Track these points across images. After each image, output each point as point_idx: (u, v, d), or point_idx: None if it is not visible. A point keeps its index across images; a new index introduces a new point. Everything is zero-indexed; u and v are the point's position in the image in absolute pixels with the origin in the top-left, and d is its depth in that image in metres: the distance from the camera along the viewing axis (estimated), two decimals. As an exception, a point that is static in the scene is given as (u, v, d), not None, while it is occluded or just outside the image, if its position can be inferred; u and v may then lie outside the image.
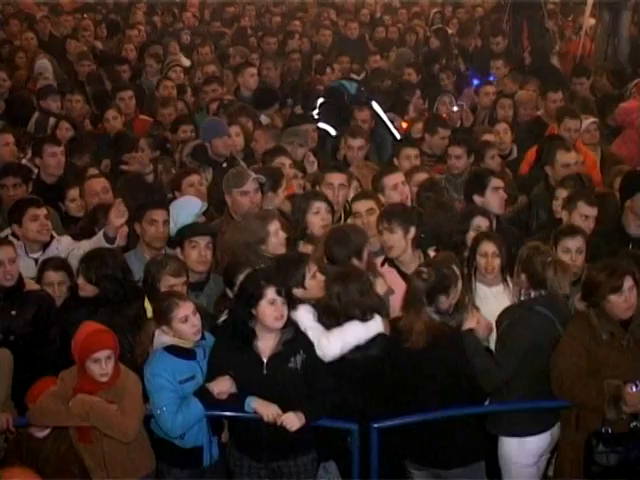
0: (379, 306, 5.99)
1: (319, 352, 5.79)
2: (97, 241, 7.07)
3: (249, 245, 6.83)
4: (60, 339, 6.33)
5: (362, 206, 7.32)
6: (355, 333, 5.84)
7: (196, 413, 5.66)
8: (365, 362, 5.85)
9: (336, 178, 7.89)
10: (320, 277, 6.15)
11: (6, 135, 9.08)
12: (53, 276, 6.74)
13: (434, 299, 5.87)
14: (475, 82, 12.33)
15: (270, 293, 5.64)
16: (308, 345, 5.79)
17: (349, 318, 5.86)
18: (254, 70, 11.89)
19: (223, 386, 5.67)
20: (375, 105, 10.37)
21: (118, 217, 7.05)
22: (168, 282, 6.27)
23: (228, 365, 5.74)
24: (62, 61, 13.64)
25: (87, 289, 6.42)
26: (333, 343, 5.79)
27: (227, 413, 5.81)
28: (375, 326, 5.88)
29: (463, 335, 5.92)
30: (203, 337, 5.86)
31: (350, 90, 10.61)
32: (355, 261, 6.47)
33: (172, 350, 5.75)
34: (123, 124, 10.35)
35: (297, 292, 6.05)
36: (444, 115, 10.74)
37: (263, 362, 5.71)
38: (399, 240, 6.78)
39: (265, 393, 5.68)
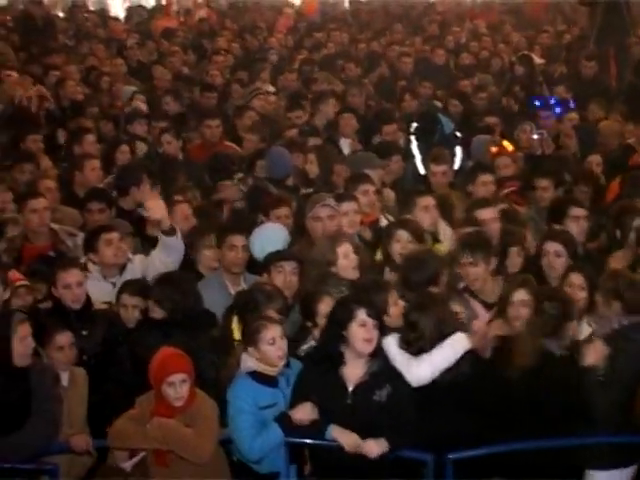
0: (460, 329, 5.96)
1: (409, 378, 5.76)
2: (162, 245, 7.24)
3: (319, 267, 6.85)
4: (132, 361, 6.40)
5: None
6: (443, 356, 5.81)
7: (275, 438, 5.67)
8: (456, 383, 5.80)
9: (429, 201, 7.87)
10: (401, 304, 6.14)
11: (93, 160, 9.22)
12: (128, 299, 6.82)
13: (560, 329, 5.86)
14: (557, 109, 12.18)
15: (361, 315, 5.64)
16: (395, 379, 5.75)
17: (433, 345, 5.82)
18: (334, 101, 11.92)
19: (304, 413, 5.67)
20: (458, 151, 10.26)
21: (156, 209, 7.21)
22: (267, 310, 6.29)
23: (312, 390, 5.73)
24: (148, 87, 13.89)
25: (156, 311, 6.49)
26: (423, 369, 5.77)
27: (307, 440, 5.80)
28: (461, 345, 5.84)
29: (586, 370, 5.85)
30: (288, 365, 5.89)
31: (445, 126, 10.52)
32: (432, 288, 6.45)
33: (255, 376, 5.79)
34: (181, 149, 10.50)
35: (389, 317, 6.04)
36: (524, 143, 10.65)
37: (348, 390, 5.70)
38: (482, 273, 6.76)
39: (347, 422, 5.66)
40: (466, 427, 5.81)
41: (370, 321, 5.66)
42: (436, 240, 7.78)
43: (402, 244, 7.19)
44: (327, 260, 6.87)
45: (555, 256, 7.01)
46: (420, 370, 5.77)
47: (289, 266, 6.83)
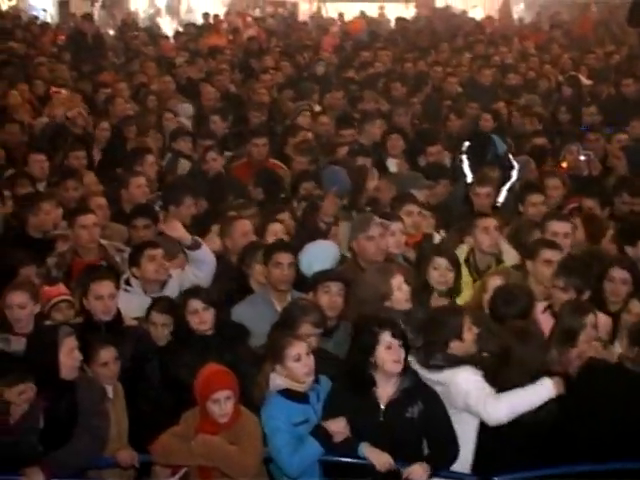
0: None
1: (484, 415, 5.74)
2: (190, 260, 7.45)
3: (374, 302, 6.77)
4: (162, 378, 6.45)
5: None
6: (526, 401, 5.75)
7: (313, 452, 5.69)
8: (531, 425, 5.76)
9: (489, 222, 7.85)
10: (475, 330, 6.10)
11: (139, 178, 9.31)
12: (158, 317, 6.82)
13: None
14: (608, 130, 12.11)
15: (386, 337, 5.66)
16: (427, 395, 5.76)
17: (519, 383, 5.78)
18: (380, 122, 11.95)
19: (339, 425, 5.68)
20: (514, 174, 10.21)
21: (173, 228, 7.43)
22: (307, 331, 6.31)
23: (344, 409, 5.74)
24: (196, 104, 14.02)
25: (207, 317, 6.50)
26: (501, 409, 5.72)
27: (339, 458, 5.78)
28: (546, 392, 5.78)
29: None
30: (317, 381, 5.90)
31: (498, 148, 10.49)
32: (519, 322, 6.38)
33: (286, 394, 5.81)
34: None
35: (454, 345, 6.00)
36: (571, 163, 10.61)
37: (380, 409, 5.71)
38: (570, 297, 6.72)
39: (379, 440, 5.66)
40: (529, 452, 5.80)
41: (396, 342, 5.67)
42: (499, 261, 7.77)
43: (440, 272, 7.18)
44: (381, 294, 6.79)
45: (621, 283, 6.97)
46: (498, 410, 5.72)
47: (335, 287, 6.82)
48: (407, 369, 5.77)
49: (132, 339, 6.59)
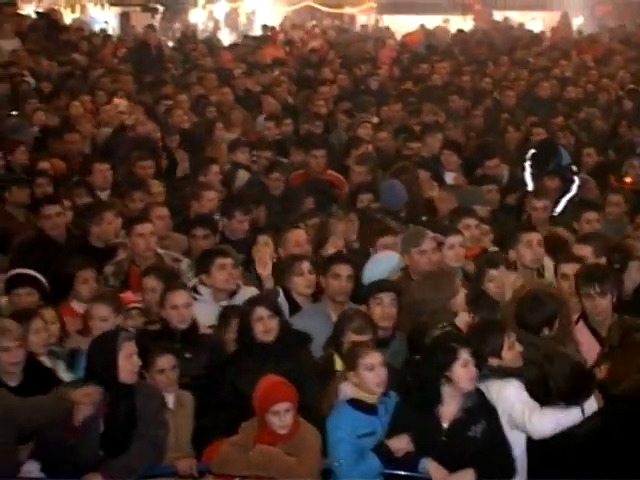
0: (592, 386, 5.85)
1: (529, 429, 5.72)
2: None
3: (438, 303, 6.80)
4: (232, 386, 6.44)
5: None
6: (571, 417, 5.71)
7: (373, 468, 5.68)
8: (573, 438, 5.74)
9: (533, 237, 7.84)
10: (518, 348, 6.05)
11: (211, 192, 9.36)
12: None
13: None
14: None
15: (464, 355, 5.64)
16: (489, 413, 5.73)
17: (562, 399, 5.74)
18: (441, 135, 11.95)
19: (401, 444, 5.67)
20: (574, 188, 10.14)
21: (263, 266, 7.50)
22: (350, 338, 6.35)
23: (408, 425, 5.73)
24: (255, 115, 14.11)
25: (273, 325, 6.50)
26: (546, 424, 5.69)
27: (401, 472, 5.77)
28: (590, 409, 5.73)
29: None
30: (387, 394, 5.89)
31: (563, 158, 10.41)
32: (546, 330, 6.37)
33: (354, 404, 5.81)
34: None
35: (493, 361, 5.96)
36: (632, 178, 10.49)
37: (443, 428, 5.69)
38: (608, 304, 6.68)
39: (441, 459, 5.64)
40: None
41: (471, 360, 5.67)
42: (540, 276, 7.72)
43: (495, 283, 7.17)
44: (447, 295, 6.82)
45: None
46: (543, 424, 5.69)
47: (388, 297, 6.82)
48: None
49: (207, 348, 6.67)
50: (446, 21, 26.79)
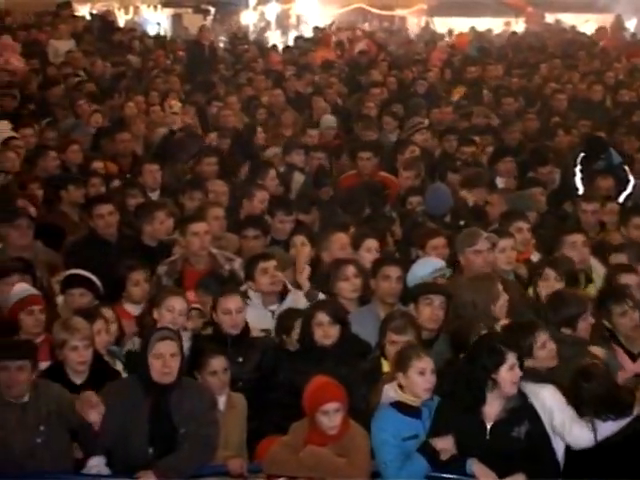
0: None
1: (568, 439, 5.72)
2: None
3: (479, 305, 6.80)
4: (288, 387, 6.47)
5: None
6: (610, 429, 5.71)
7: (419, 470, 5.67)
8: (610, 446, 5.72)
9: (577, 238, 7.82)
10: (551, 346, 6.04)
11: (263, 192, 9.36)
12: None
13: None
14: None
15: (511, 358, 5.62)
16: (534, 416, 5.71)
17: (601, 413, 5.72)
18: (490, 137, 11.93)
19: (446, 443, 5.67)
20: (630, 188, 10.06)
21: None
22: (390, 338, 6.38)
23: (451, 427, 5.72)
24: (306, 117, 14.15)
25: (333, 332, 6.56)
26: (586, 436, 5.69)
27: (447, 475, 5.75)
28: (628, 419, 5.74)
29: None
30: (432, 397, 5.89)
31: (613, 158, 10.32)
32: (566, 329, 6.37)
33: (398, 406, 5.81)
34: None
35: (527, 362, 5.94)
36: None
37: (487, 428, 5.67)
38: None
39: (485, 459, 5.62)
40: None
41: (517, 363, 5.65)
42: (588, 277, 7.69)
43: (550, 283, 7.14)
44: (492, 297, 6.82)
45: None
46: (583, 435, 5.70)
47: (437, 299, 6.83)
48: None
49: (258, 351, 6.71)
50: (507, 24, 26.66)
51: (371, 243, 8.04)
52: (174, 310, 6.75)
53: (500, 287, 6.92)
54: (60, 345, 6.29)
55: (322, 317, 6.58)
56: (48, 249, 8.58)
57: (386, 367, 6.39)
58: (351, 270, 7.40)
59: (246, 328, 6.81)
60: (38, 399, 5.87)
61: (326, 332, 6.55)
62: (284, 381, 6.56)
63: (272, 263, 7.42)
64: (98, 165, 10.74)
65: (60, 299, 7.49)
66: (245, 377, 6.59)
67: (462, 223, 8.95)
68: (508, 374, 5.61)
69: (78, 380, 6.27)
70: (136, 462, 5.89)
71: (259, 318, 7.09)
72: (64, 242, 8.90)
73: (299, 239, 8.21)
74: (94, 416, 5.79)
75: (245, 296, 7.29)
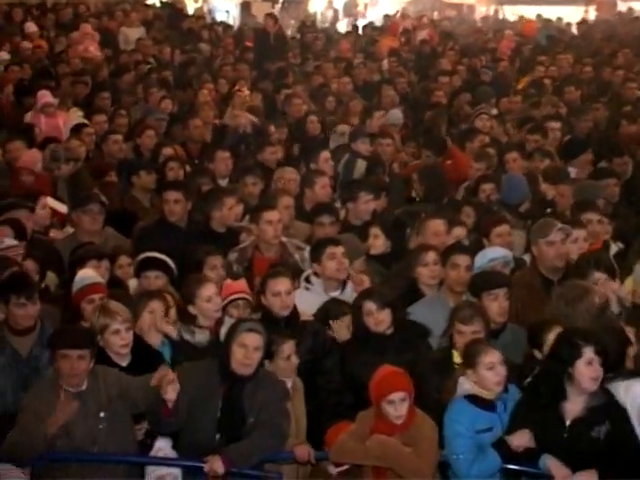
0: None
1: None
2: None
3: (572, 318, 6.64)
4: (342, 373, 6.51)
5: None
6: None
7: (493, 464, 5.65)
8: None
9: None
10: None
11: (324, 178, 9.42)
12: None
13: None
14: None
15: (588, 353, 5.54)
16: (616, 415, 5.61)
17: None
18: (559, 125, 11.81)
19: (522, 440, 5.63)
20: None
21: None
22: (458, 328, 6.37)
23: (529, 421, 5.68)
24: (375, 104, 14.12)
25: (382, 317, 6.56)
26: None
27: (521, 468, 5.73)
28: None
29: None
30: (506, 389, 5.86)
31: None
32: None
33: (472, 399, 5.79)
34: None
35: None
36: None
37: (565, 425, 5.61)
38: None
39: (562, 457, 5.57)
40: None
41: (597, 358, 5.55)
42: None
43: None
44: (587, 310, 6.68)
45: None
46: None
47: (502, 292, 6.79)
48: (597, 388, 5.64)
49: (309, 334, 6.69)
50: (586, 11, 26.30)
51: (460, 231, 8.05)
52: (211, 300, 6.78)
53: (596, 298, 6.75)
54: (101, 330, 6.32)
55: (370, 305, 6.56)
56: (118, 234, 8.69)
57: (457, 358, 6.35)
58: (431, 256, 7.38)
59: (295, 311, 6.79)
60: (97, 386, 5.94)
61: (376, 319, 6.54)
62: (334, 367, 6.56)
63: (340, 249, 7.39)
64: (168, 151, 10.84)
65: (133, 282, 7.57)
66: (299, 359, 6.50)
67: (548, 210, 8.90)
68: (586, 369, 5.53)
69: (123, 362, 6.33)
70: (201, 447, 5.93)
71: (318, 304, 7.05)
72: (134, 227, 9.01)
73: (375, 230, 8.22)
74: (171, 393, 5.82)
75: (307, 281, 7.34)
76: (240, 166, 10.55)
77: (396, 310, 6.66)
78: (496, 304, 6.74)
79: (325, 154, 10.34)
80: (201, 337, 6.71)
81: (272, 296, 6.71)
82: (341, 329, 6.81)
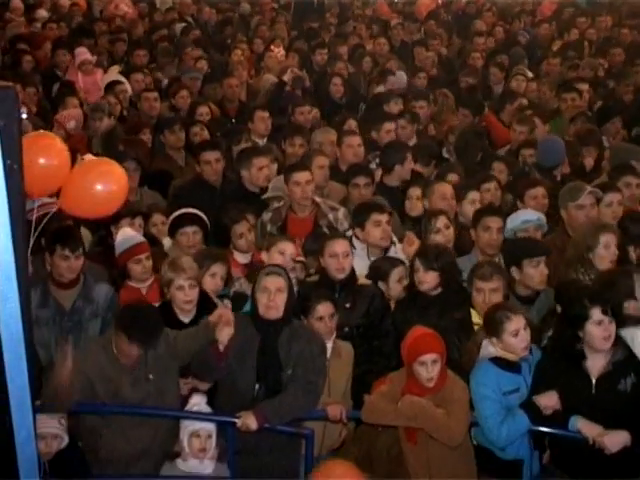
0: None
1: None
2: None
3: (577, 251, 6.77)
4: (395, 334, 6.49)
5: None
6: None
7: (521, 426, 5.66)
8: None
9: None
10: None
11: (355, 137, 9.33)
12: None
13: None
14: None
15: (596, 314, 5.53)
16: (638, 367, 5.62)
17: None
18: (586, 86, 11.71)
19: (550, 400, 5.64)
20: None
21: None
22: (476, 285, 6.42)
23: (555, 383, 5.68)
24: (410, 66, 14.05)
25: (428, 279, 6.56)
26: None
27: (550, 430, 5.75)
28: None
29: None
30: (530, 352, 5.85)
31: None
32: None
33: (497, 362, 5.79)
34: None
35: (629, 306, 5.89)
36: None
37: (592, 382, 5.61)
38: None
39: (591, 413, 5.57)
40: None
41: (606, 318, 5.54)
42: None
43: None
44: (587, 245, 6.77)
45: None
46: None
47: (541, 260, 6.75)
48: (618, 342, 5.63)
49: (367, 297, 6.67)
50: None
51: (474, 195, 7.97)
52: (285, 253, 6.83)
53: (612, 238, 6.79)
54: (167, 284, 6.40)
55: (418, 264, 6.57)
56: (154, 192, 8.73)
57: (476, 317, 6.38)
58: (442, 221, 7.35)
59: (353, 275, 6.77)
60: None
61: (420, 279, 6.54)
62: (389, 329, 6.57)
63: (385, 217, 7.35)
64: (203, 110, 10.85)
65: (167, 241, 7.61)
66: (352, 323, 6.57)
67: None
68: (596, 329, 5.53)
69: (186, 319, 6.39)
70: (241, 399, 5.96)
71: (361, 268, 7.03)
72: (170, 185, 9.03)
73: (414, 191, 8.19)
74: (224, 335, 5.89)
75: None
76: (288, 125, 10.52)
77: (446, 273, 6.60)
78: (538, 271, 6.71)
79: (351, 122, 10.28)
80: None
81: (329, 257, 6.70)
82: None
